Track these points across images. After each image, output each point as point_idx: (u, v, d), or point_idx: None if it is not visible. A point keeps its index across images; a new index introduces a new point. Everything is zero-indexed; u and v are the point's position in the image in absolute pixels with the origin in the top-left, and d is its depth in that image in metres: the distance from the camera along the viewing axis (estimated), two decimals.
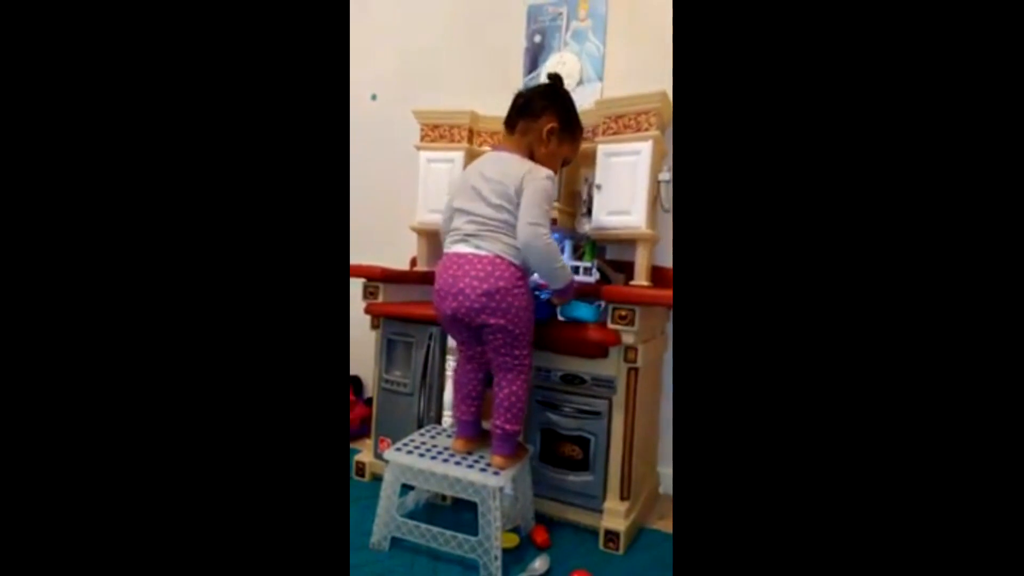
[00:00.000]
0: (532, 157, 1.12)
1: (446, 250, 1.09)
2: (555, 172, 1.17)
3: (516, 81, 1.62)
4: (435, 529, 1.03)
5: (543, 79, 1.58)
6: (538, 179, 1.05)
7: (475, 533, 1.00)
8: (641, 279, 1.29)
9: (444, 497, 1.26)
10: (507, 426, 1.06)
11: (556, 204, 1.35)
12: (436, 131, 1.52)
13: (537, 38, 1.63)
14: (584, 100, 1.47)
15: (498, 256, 1.02)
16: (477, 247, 1.03)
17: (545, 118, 1.13)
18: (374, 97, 1.88)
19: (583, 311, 1.21)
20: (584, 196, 1.43)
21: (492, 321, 1.02)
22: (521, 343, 1.06)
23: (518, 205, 1.05)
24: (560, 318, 1.25)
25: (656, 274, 1.38)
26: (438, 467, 1.04)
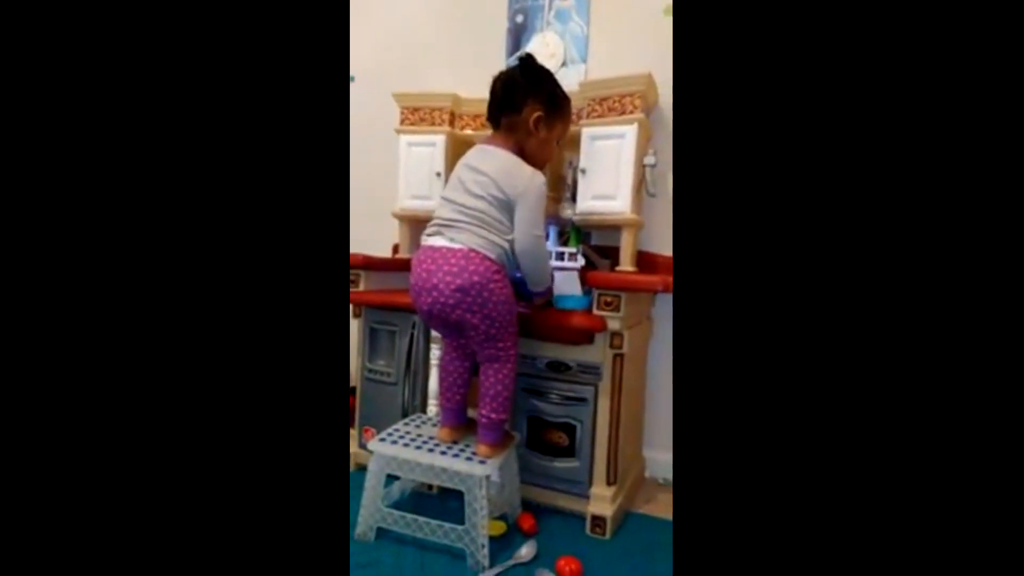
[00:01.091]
0: (523, 151, 1.09)
1: (422, 242, 1.06)
2: (550, 157, 1.15)
3: (498, 62, 1.58)
4: (421, 519, 1.03)
5: None
6: (534, 185, 1.04)
7: (462, 521, 0.99)
8: (626, 265, 1.28)
9: (430, 486, 1.26)
10: (493, 415, 1.05)
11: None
12: (417, 114, 1.49)
13: (519, 18, 1.59)
14: (568, 82, 1.43)
15: (472, 250, 0.99)
16: (451, 240, 1.00)
17: (528, 108, 1.07)
18: (352, 79, 1.83)
19: (576, 301, 1.20)
20: (568, 181, 1.41)
21: (468, 317, 1.00)
22: (503, 335, 1.04)
23: (499, 200, 1.02)
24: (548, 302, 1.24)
25: (641, 259, 1.37)
26: (423, 457, 1.03)
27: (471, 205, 1.02)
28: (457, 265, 0.98)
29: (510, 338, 1.06)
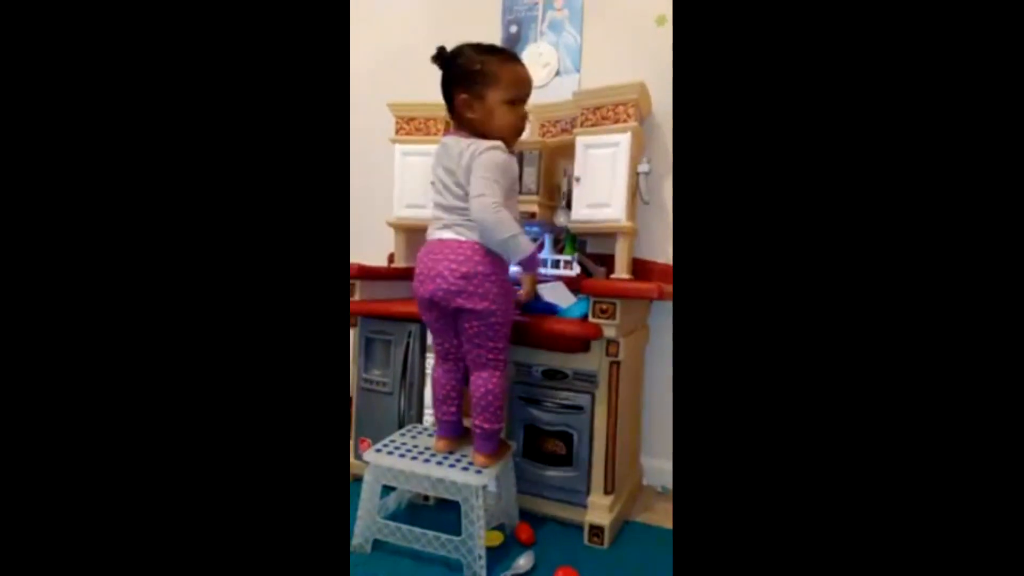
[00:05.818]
0: (478, 133, 1.05)
1: (429, 236, 1.08)
2: (511, 124, 1.08)
3: None
4: (417, 530, 1.02)
5: None
6: (481, 153, 1.00)
7: (458, 532, 0.98)
8: (622, 272, 1.28)
9: (426, 496, 1.24)
10: (486, 425, 1.05)
11: (536, 197, 1.34)
12: (412, 124, 1.49)
13: (513, 28, 1.60)
14: (562, 91, 1.45)
15: (476, 243, 1.02)
16: (458, 233, 1.04)
17: (457, 99, 1.05)
18: None
19: (579, 308, 1.19)
20: (563, 189, 1.42)
21: (469, 305, 1.01)
22: (498, 335, 1.04)
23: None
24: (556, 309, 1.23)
25: (637, 267, 1.38)
26: (419, 467, 1.02)
27: (456, 205, 1.04)
28: (463, 255, 1.01)
29: (503, 340, 1.06)
